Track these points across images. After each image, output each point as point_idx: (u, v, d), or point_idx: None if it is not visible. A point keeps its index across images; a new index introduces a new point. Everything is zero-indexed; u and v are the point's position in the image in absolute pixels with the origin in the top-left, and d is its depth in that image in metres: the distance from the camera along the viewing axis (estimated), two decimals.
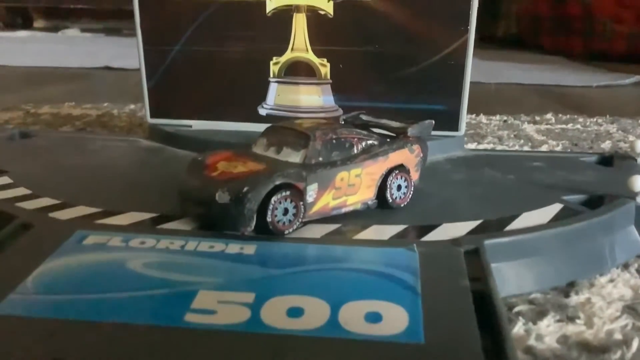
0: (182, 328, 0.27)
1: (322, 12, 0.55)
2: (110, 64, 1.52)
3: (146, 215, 0.39)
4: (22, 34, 2.50)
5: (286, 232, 0.36)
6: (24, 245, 0.34)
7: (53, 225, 0.37)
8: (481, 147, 0.73)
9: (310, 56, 0.56)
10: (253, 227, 0.35)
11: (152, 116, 0.60)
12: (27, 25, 2.89)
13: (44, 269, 0.31)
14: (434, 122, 0.44)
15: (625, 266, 0.39)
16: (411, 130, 0.43)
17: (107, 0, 2.56)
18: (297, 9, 0.55)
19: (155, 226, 0.37)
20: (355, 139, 0.40)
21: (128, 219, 0.38)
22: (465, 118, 0.56)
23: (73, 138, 0.63)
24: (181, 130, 0.58)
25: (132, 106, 0.94)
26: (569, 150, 0.71)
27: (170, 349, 0.26)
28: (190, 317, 0.28)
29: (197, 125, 0.59)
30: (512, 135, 0.79)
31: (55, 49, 1.96)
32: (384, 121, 0.44)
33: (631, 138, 0.79)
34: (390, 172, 0.40)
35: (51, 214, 0.38)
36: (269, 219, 0.35)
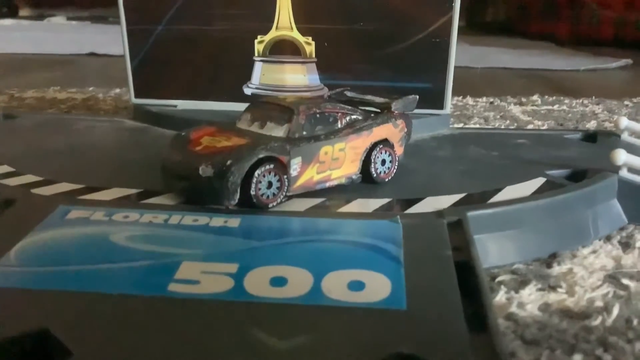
0: (166, 297, 0.27)
1: None
2: (95, 50, 1.51)
3: (130, 191, 0.39)
4: (7, 22, 2.48)
5: (270, 205, 0.36)
6: (7, 220, 0.34)
7: (36, 201, 0.37)
8: (468, 126, 0.73)
9: (295, 34, 0.56)
10: (237, 201, 0.35)
11: (136, 96, 0.59)
12: (12, 13, 2.86)
13: (26, 243, 0.31)
14: (417, 97, 0.44)
15: (608, 238, 0.40)
16: (395, 105, 0.43)
17: None
18: None
19: (139, 201, 0.37)
20: (339, 114, 0.40)
21: (111, 194, 0.38)
22: (450, 96, 0.56)
23: (57, 119, 0.62)
24: (166, 110, 0.58)
25: (118, 90, 0.94)
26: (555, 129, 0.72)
27: (155, 318, 0.26)
28: (174, 287, 0.28)
29: (182, 104, 0.59)
30: (498, 116, 0.80)
31: (40, 36, 1.94)
32: (368, 97, 0.44)
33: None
34: (374, 146, 0.41)
35: (34, 190, 0.38)
36: (252, 192, 0.35)
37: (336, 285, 0.28)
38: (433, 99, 0.55)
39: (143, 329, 0.25)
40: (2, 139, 0.51)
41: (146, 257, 0.31)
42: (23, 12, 3.00)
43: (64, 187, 0.39)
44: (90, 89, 0.96)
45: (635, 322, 0.30)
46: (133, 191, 0.39)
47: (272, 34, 0.56)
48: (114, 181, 0.40)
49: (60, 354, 0.23)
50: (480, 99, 0.93)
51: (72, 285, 0.28)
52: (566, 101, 0.92)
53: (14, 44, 1.62)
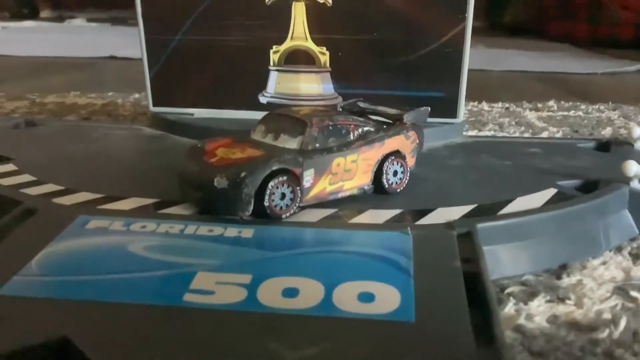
0: (181, 307, 0.28)
1: (321, 1, 0.55)
2: (115, 53, 1.53)
3: (147, 201, 0.40)
4: (28, 24, 2.52)
5: (283, 216, 0.37)
6: (28, 229, 0.35)
7: (56, 211, 0.38)
8: (481, 134, 0.73)
9: (310, 45, 0.56)
10: (251, 212, 0.36)
11: (154, 105, 0.61)
12: (33, 15, 2.90)
13: (47, 252, 0.32)
14: (429, 108, 0.45)
15: (619, 249, 0.40)
16: (407, 117, 0.43)
17: None
18: None
19: (156, 211, 0.38)
20: (352, 126, 0.41)
21: (129, 204, 0.39)
22: (463, 105, 0.56)
23: (77, 127, 0.64)
24: (183, 118, 0.59)
25: (137, 95, 0.95)
26: (568, 136, 0.72)
27: (170, 327, 0.27)
28: (189, 297, 0.29)
29: (199, 113, 0.60)
30: (513, 122, 0.80)
31: (61, 38, 1.97)
32: (380, 108, 0.45)
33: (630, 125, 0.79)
34: (386, 157, 0.41)
35: (55, 200, 0.39)
36: (266, 204, 0.36)
37: (347, 297, 0.29)
38: (446, 108, 0.56)
39: (160, 338, 0.26)
40: (24, 147, 0.52)
41: (163, 267, 0.32)
42: (44, 13, 3.04)
43: (84, 196, 0.40)
44: (110, 94, 0.97)
45: None
46: (150, 201, 0.40)
47: (287, 44, 0.57)
48: (133, 190, 0.41)
49: None
50: (495, 105, 0.93)
51: (91, 294, 0.29)
52: (582, 107, 0.92)
53: (35, 47, 1.65)
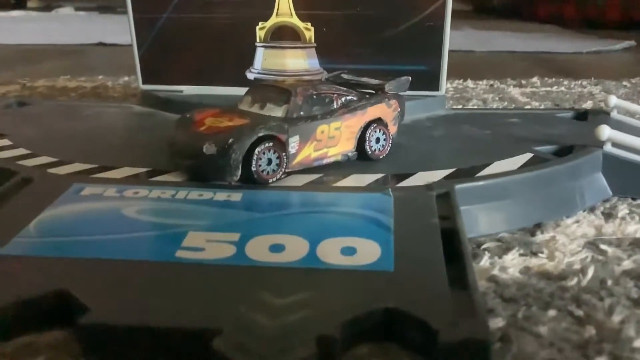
0: (174, 262, 0.30)
1: None
2: (104, 40, 1.54)
3: (139, 170, 0.41)
4: (16, 13, 2.51)
5: (270, 181, 0.39)
6: (25, 197, 0.37)
7: (51, 179, 0.39)
8: (464, 107, 0.75)
9: (295, 20, 0.58)
10: (239, 177, 0.38)
11: (144, 82, 0.62)
12: (20, 4, 2.89)
13: (44, 216, 0.34)
14: (410, 78, 0.46)
15: (592, 209, 0.42)
16: (388, 86, 0.45)
17: None
18: None
19: (148, 179, 0.40)
20: (335, 95, 0.42)
21: (122, 173, 0.41)
22: (445, 78, 0.58)
23: (69, 106, 0.65)
24: (172, 95, 0.60)
25: (126, 78, 0.96)
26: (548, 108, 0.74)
27: (163, 280, 0.28)
28: (180, 254, 0.30)
29: (188, 90, 0.61)
30: (496, 98, 0.81)
31: (49, 27, 1.97)
32: (363, 79, 0.47)
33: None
34: (368, 125, 0.43)
35: (50, 170, 0.41)
36: (253, 169, 0.37)
37: (330, 251, 0.31)
38: (428, 80, 0.57)
39: (154, 289, 0.27)
40: (17, 125, 0.53)
41: (155, 228, 0.33)
42: (31, 3, 3.03)
43: (78, 167, 0.42)
44: (100, 77, 0.98)
45: (609, 282, 0.32)
46: (142, 170, 0.41)
47: (273, 20, 0.58)
48: (125, 161, 0.43)
49: (79, 311, 0.25)
50: (480, 82, 0.95)
51: (87, 252, 0.30)
52: (565, 82, 0.94)
53: (24, 35, 1.65)
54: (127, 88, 0.88)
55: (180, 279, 0.28)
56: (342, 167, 0.42)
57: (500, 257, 0.35)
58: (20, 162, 0.42)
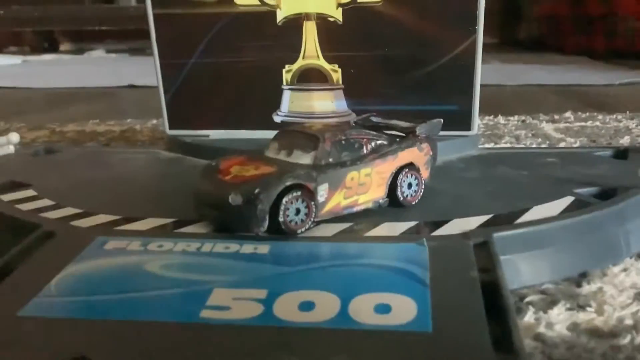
0: (199, 323, 0.28)
1: (332, 19, 0.56)
2: (134, 82, 1.55)
3: (164, 221, 0.40)
4: (49, 57, 2.57)
5: (299, 231, 0.37)
6: (47, 252, 0.36)
7: (75, 233, 0.38)
8: (497, 146, 0.73)
9: (322, 62, 0.57)
10: (266, 228, 0.36)
11: (170, 128, 0.61)
12: (53, 48, 2.96)
13: (66, 274, 0.33)
14: (442, 120, 0.45)
15: (639, 256, 0.39)
16: (419, 129, 0.43)
17: (130, 21, 2.60)
18: (307, 17, 0.56)
19: (172, 230, 0.39)
20: (365, 140, 0.41)
21: (146, 224, 0.40)
22: (477, 117, 0.56)
23: (95, 152, 0.65)
24: (199, 140, 0.60)
25: (155, 121, 0.97)
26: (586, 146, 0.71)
27: (188, 343, 0.27)
28: (205, 313, 0.29)
29: (215, 134, 0.60)
30: (529, 135, 0.79)
31: (80, 70, 2.01)
32: (393, 122, 0.45)
33: None
34: (400, 170, 0.41)
35: (73, 223, 0.40)
36: (281, 219, 0.36)
37: (363, 309, 0.29)
38: (460, 120, 0.56)
39: (177, 355, 0.26)
40: (43, 174, 0.53)
41: (180, 285, 0.32)
42: (64, 46, 3.10)
43: (102, 218, 0.41)
44: (129, 120, 0.99)
45: None
46: (167, 221, 0.40)
47: (300, 63, 0.57)
48: (149, 211, 0.42)
49: None
50: (511, 118, 0.93)
51: (109, 314, 0.29)
52: (599, 117, 0.92)
53: (56, 79, 1.68)
54: (155, 131, 0.88)
55: (205, 342, 0.27)
56: (373, 214, 0.40)
57: (545, 312, 0.32)
58: (44, 214, 0.41)
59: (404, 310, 0.29)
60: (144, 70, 1.68)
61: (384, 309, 0.29)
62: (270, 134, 0.44)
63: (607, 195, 0.43)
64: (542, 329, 0.31)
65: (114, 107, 1.21)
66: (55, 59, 2.53)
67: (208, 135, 0.61)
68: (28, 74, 1.85)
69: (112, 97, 1.39)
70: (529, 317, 0.32)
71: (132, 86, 1.54)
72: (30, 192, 0.46)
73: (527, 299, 0.34)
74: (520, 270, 0.36)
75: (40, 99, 1.38)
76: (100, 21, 2.72)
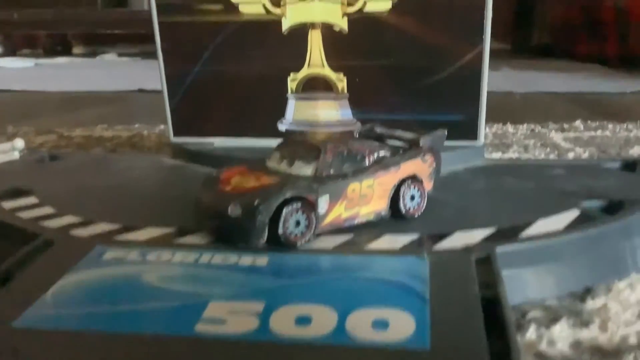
0: (193, 337, 0.28)
1: (337, 28, 0.55)
2: (143, 86, 1.56)
3: (164, 231, 0.40)
4: (61, 60, 2.58)
5: (299, 243, 0.37)
6: (46, 262, 0.36)
7: (73, 242, 0.38)
8: (505, 156, 0.72)
9: (327, 71, 0.57)
10: (265, 240, 0.36)
11: (175, 135, 0.61)
12: (66, 51, 2.98)
13: (62, 284, 0.33)
14: (446, 132, 0.44)
15: None
16: (423, 141, 0.43)
17: (142, 25, 2.61)
18: (312, 25, 0.56)
19: (171, 241, 0.38)
20: (367, 151, 0.40)
21: (146, 234, 0.39)
22: (483, 127, 0.56)
23: (100, 159, 0.64)
24: (203, 147, 0.59)
25: (162, 126, 0.96)
26: (595, 157, 0.70)
27: (181, 358, 0.27)
28: (200, 327, 0.28)
29: (219, 142, 0.60)
30: (538, 144, 0.79)
31: (92, 73, 2.02)
32: (397, 132, 0.45)
33: None
34: (402, 182, 0.41)
35: (73, 231, 0.40)
36: (280, 231, 0.36)
37: (360, 324, 0.28)
38: (466, 130, 0.55)
39: None
40: (46, 180, 0.53)
41: (177, 297, 0.31)
42: (76, 49, 3.11)
43: (102, 227, 0.40)
44: (136, 125, 0.99)
45: None
46: (167, 230, 0.40)
47: (305, 71, 0.57)
48: (151, 220, 0.41)
49: None
50: (520, 126, 0.92)
51: (105, 325, 0.29)
52: (610, 126, 0.91)
53: (67, 82, 1.69)
54: (162, 137, 0.88)
55: (198, 357, 0.27)
56: (374, 226, 0.40)
57: (547, 328, 0.32)
58: (44, 223, 0.41)
59: (401, 326, 0.28)
60: (154, 75, 1.68)
61: (381, 324, 0.28)
62: (274, 142, 0.43)
63: (614, 208, 0.42)
64: (543, 346, 0.30)
65: (123, 112, 1.22)
66: (68, 62, 2.55)
67: (212, 143, 0.60)
68: (40, 77, 1.86)
69: (122, 101, 1.39)
70: (530, 333, 0.31)
71: (141, 90, 1.54)
72: (31, 200, 0.46)
73: (530, 315, 0.33)
74: (524, 284, 0.35)
75: (51, 103, 1.38)
76: (112, 25, 2.73)
